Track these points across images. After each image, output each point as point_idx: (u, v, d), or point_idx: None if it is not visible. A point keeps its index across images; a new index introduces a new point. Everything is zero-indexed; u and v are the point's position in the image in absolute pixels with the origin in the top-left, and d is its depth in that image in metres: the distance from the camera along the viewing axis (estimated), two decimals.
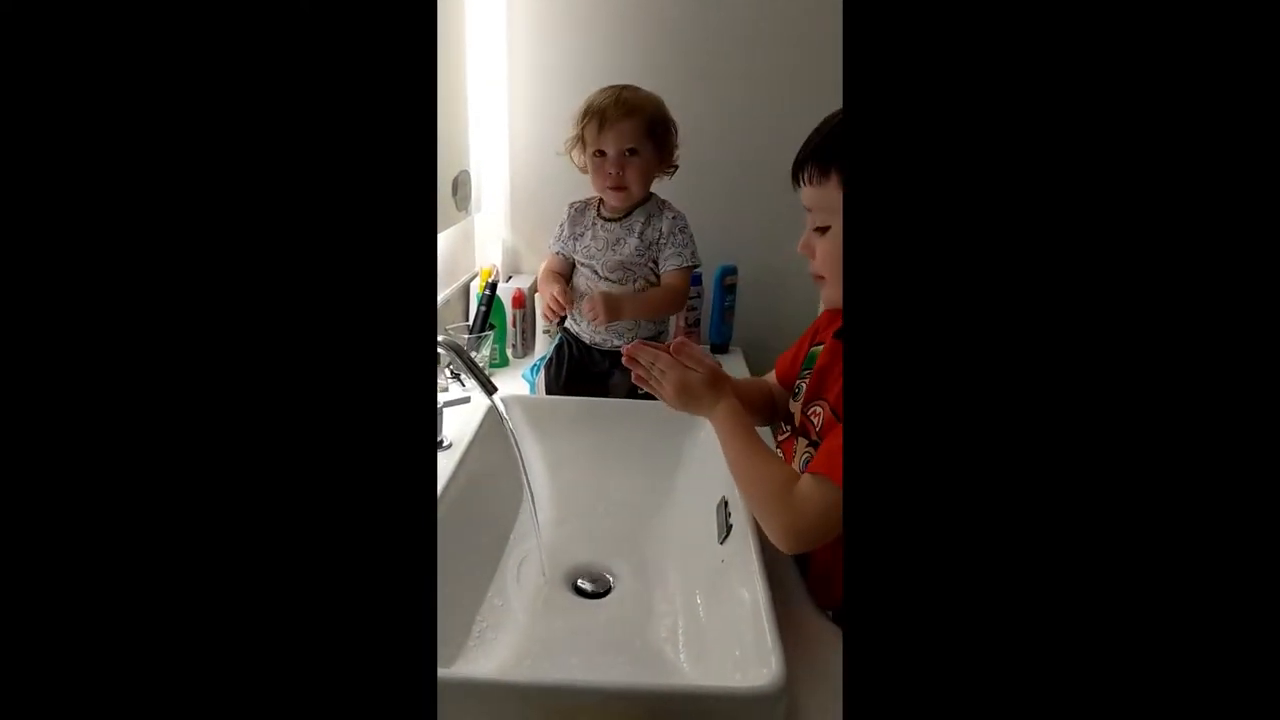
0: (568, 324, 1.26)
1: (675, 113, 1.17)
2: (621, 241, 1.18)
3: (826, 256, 0.68)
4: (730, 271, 1.49)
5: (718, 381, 0.74)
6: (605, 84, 1.21)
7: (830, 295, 0.70)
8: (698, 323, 1.52)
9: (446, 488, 0.80)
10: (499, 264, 1.49)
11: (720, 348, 1.52)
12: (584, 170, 1.17)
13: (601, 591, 0.83)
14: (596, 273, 1.20)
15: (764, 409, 0.90)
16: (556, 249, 1.25)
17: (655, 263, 1.19)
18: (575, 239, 1.22)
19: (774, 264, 1.50)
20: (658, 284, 1.19)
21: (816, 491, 0.62)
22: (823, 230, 0.67)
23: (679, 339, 0.77)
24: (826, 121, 0.68)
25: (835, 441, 0.64)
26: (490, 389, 0.74)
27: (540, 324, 1.40)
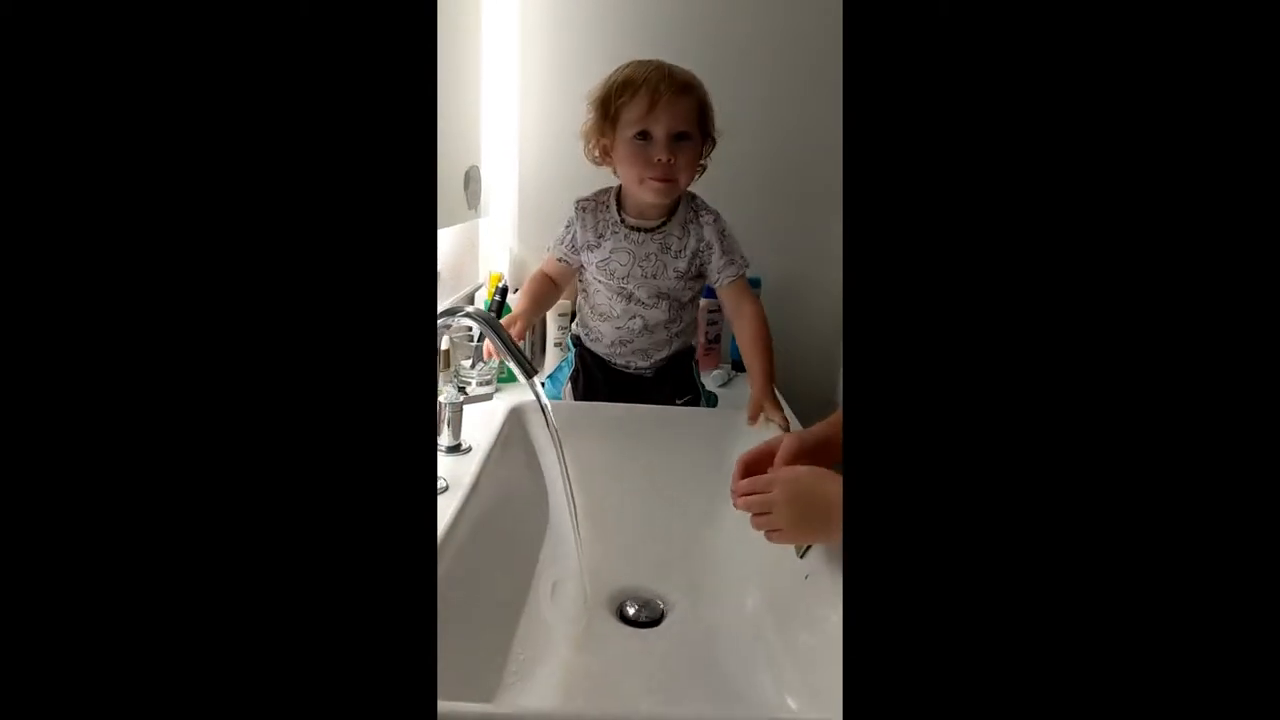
0: (581, 339, 1.07)
1: None
2: (657, 260, 0.97)
3: None
4: (753, 285, 1.39)
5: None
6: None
7: None
8: (718, 338, 1.42)
9: (467, 499, 0.68)
10: (506, 274, 1.39)
11: (743, 364, 1.41)
12: (601, 163, 0.96)
13: (653, 619, 0.70)
14: (629, 296, 0.99)
15: None
16: (559, 255, 1.02)
17: (698, 276, 1.00)
18: (590, 248, 0.98)
19: (796, 278, 1.41)
20: (695, 299, 1.03)
21: None
22: None
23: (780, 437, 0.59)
24: None
25: None
26: (530, 371, 0.63)
27: (551, 335, 1.27)
